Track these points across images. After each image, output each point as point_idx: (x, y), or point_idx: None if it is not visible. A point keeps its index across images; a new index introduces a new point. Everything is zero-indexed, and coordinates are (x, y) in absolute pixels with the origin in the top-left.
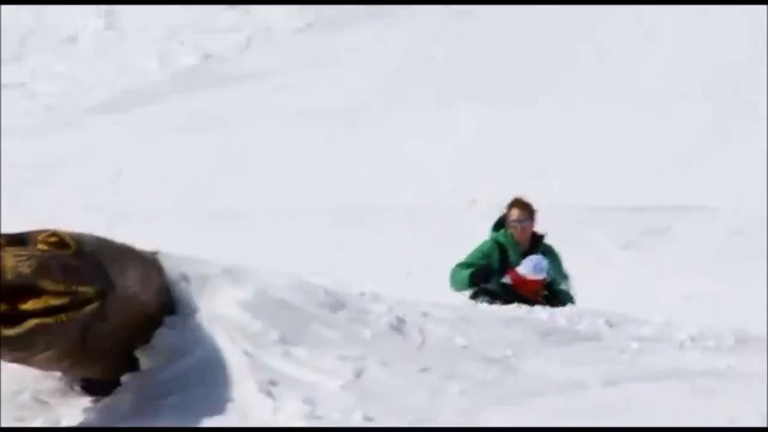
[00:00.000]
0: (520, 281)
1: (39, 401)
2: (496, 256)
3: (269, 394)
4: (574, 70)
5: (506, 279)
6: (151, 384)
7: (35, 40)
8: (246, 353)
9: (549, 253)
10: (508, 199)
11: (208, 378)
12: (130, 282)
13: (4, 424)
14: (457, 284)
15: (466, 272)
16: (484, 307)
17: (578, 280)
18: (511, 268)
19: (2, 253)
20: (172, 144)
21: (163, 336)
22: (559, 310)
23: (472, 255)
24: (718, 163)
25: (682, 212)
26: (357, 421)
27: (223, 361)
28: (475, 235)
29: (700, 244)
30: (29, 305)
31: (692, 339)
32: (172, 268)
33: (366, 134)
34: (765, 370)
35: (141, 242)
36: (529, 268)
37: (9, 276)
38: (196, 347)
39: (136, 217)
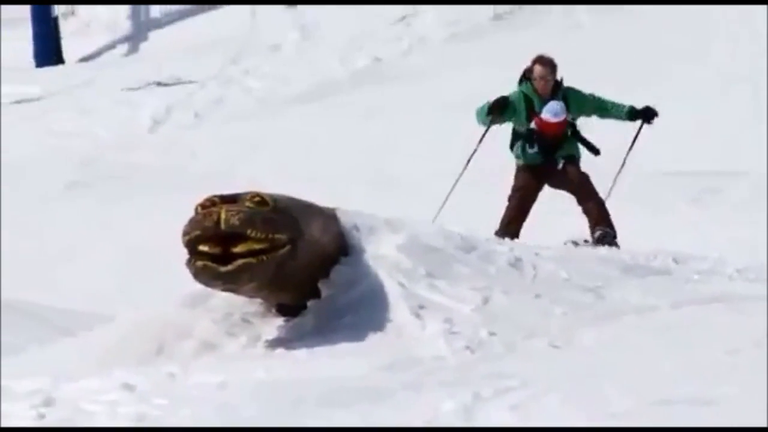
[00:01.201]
0: (544, 125)
1: (245, 321)
2: (522, 105)
3: (418, 315)
4: (662, 70)
5: (533, 125)
6: (329, 308)
7: (249, 48)
8: (400, 284)
9: (570, 92)
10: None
11: (372, 303)
12: (314, 231)
13: (219, 339)
14: (478, 117)
15: (486, 105)
16: (582, 249)
17: (655, 228)
18: (536, 114)
19: (219, 209)
20: (349, 126)
21: (338, 271)
22: (638, 252)
23: None
24: (760, 138)
25: (731, 176)
26: (483, 336)
27: (383, 290)
28: None
29: (744, 201)
30: (238, 249)
31: (738, 272)
32: (346, 220)
33: None
34: None
35: (323, 201)
36: (550, 112)
37: (223, 226)
38: (363, 280)
39: (321, 183)
